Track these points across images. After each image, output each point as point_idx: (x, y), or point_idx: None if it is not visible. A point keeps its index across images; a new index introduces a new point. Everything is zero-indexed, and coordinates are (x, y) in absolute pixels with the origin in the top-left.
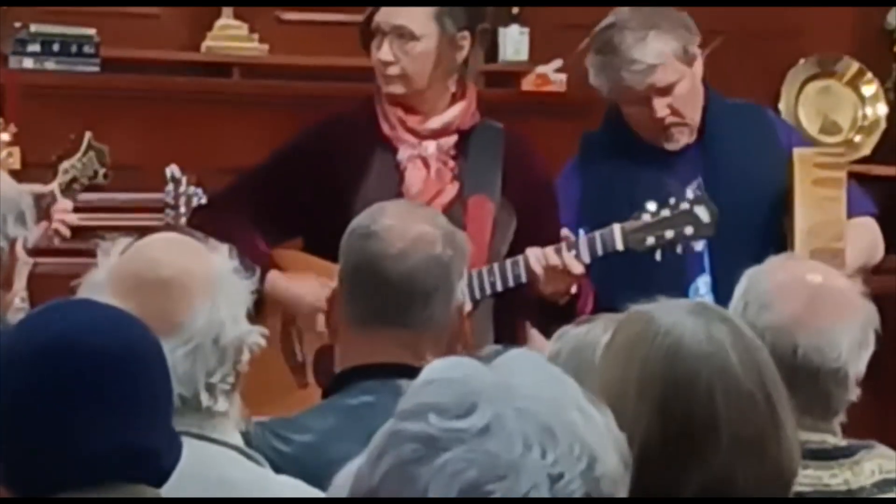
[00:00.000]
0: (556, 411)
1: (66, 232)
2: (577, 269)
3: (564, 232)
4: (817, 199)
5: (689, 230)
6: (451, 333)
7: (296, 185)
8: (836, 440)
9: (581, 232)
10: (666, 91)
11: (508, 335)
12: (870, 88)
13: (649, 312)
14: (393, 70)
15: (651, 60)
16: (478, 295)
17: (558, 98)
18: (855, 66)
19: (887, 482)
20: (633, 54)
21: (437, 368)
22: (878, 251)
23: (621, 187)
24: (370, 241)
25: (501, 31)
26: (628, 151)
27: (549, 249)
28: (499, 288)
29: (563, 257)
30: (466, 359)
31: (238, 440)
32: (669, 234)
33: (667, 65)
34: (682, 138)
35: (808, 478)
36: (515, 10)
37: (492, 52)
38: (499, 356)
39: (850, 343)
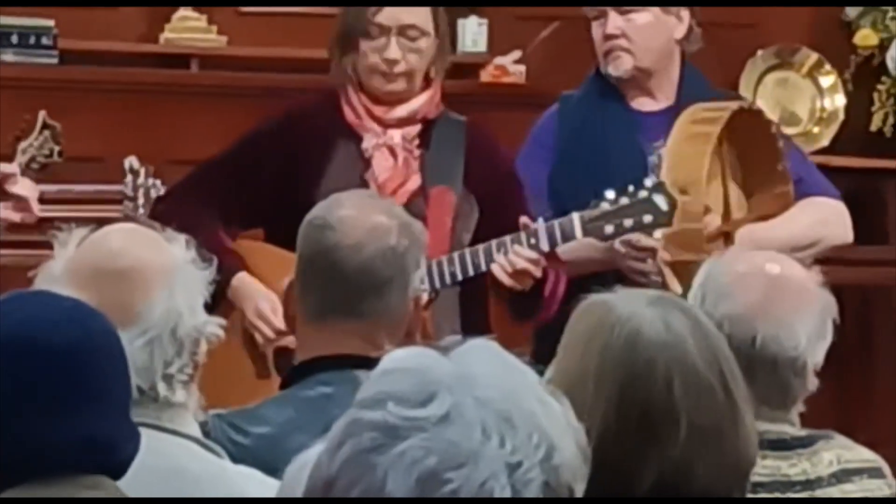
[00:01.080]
0: (514, 400)
1: (33, 217)
2: (539, 261)
3: (524, 220)
4: (682, 157)
5: (647, 218)
6: (409, 323)
7: (258, 175)
8: (795, 430)
9: (541, 220)
10: (624, 11)
11: (475, 322)
12: (828, 79)
13: (608, 302)
14: (400, 68)
15: None
16: (438, 284)
17: (517, 89)
18: (813, 56)
19: (846, 472)
20: None
21: (396, 358)
22: (834, 230)
23: (595, 138)
24: (326, 232)
25: (460, 22)
26: (604, 109)
27: (512, 254)
28: (459, 277)
29: (525, 254)
30: (425, 349)
31: (196, 431)
32: (628, 222)
33: None
34: (623, 65)
35: (767, 468)
36: None
37: (450, 43)
38: (458, 346)
39: (808, 333)
